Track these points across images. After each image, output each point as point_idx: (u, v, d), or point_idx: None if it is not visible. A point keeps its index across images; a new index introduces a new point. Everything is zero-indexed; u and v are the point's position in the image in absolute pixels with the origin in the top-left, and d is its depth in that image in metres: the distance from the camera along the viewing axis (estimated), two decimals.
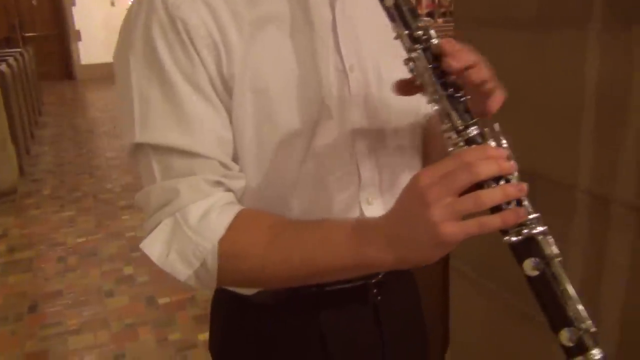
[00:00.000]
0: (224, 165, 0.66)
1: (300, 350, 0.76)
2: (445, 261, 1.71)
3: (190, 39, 0.64)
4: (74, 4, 10.91)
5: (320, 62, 0.69)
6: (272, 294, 0.74)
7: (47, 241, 3.42)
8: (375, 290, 0.77)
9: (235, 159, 0.68)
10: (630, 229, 1.03)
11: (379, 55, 0.74)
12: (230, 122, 0.67)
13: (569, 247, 1.13)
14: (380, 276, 0.77)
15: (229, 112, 0.67)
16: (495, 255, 1.34)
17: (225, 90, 0.66)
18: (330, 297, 0.72)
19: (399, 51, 0.60)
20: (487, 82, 0.60)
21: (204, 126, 0.65)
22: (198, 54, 0.64)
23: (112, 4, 11.18)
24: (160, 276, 2.81)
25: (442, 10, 10.80)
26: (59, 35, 11.09)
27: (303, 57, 0.69)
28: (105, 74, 10.95)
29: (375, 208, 0.74)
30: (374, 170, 0.75)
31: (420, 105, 0.75)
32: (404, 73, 0.61)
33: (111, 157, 5.28)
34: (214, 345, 0.85)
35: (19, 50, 6.99)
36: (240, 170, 0.69)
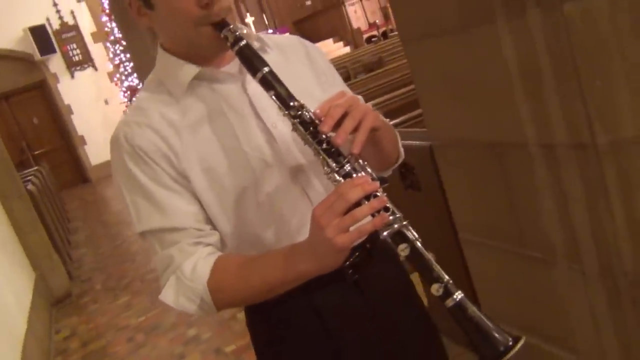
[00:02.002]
0: (197, 229, 0.98)
1: (303, 325, 1.04)
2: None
3: (148, 156, 0.97)
4: (72, 112, 11.46)
5: (244, 133, 0.99)
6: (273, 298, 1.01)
7: (113, 328, 3.71)
8: (350, 271, 1.02)
9: (209, 218, 0.99)
10: (574, 165, 1.28)
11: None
12: (195, 198, 0.98)
13: (541, 192, 1.39)
14: (352, 259, 1.00)
15: (192, 191, 0.98)
16: (496, 218, 1.59)
17: (183, 178, 0.97)
18: (316, 282, 0.97)
19: (312, 97, 0.94)
20: (355, 129, 0.87)
21: (175, 209, 0.97)
22: (156, 164, 0.96)
23: (106, 102, 11.73)
24: (221, 328, 3.09)
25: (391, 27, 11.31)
26: (65, 145, 11.62)
27: (230, 134, 0.98)
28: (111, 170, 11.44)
29: None
30: (319, 190, 1.02)
31: None
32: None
33: None
34: (255, 343, 1.16)
35: (35, 168, 7.45)
36: (212, 228, 0.99)
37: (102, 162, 11.61)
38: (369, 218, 0.84)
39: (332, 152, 0.87)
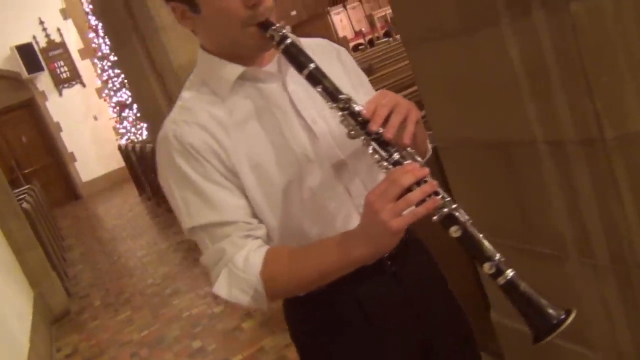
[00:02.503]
0: (247, 222, 1.00)
1: (347, 317, 1.07)
2: None
3: (198, 153, 0.98)
4: (61, 129, 11.40)
5: (287, 130, 1.02)
6: (318, 290, 1.04)
7: (115, 344, 3.68)
8: (389, 262, 1.08)
9: (256, 213, 1.01)
10: (583, 160, 1.31)
11: (325, 106, 1.02)
12: (243, 193, 1.00)
13: (550, 188, 1.41)
14: (388, 252, 1.03)
15: (240, 187, 1.00)
16: (504, 217, 1.61)
17: (232, 174, 1.00)
18: (358, 275, 1.00)
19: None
20: (402, 124, 0.92)
21: (226, 204, 0.99)
22: (207, 160, 0.98)
23: (95, 118, 11.69)
24: (226, 339, 3.08)
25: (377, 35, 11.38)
26: (55, 163, 11.54)
27: (275, 131, 1.02)
28: (106, 185, 11.41)
29: None
30: (358, 184, 1.06)
31: None
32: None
33: (142, 255, 5.58)
34: (296, 346, 1.18)
35: (28, 186, 7.40)
36: (260, 222, 1.02)
37: (93, 178, 11.56)
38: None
39: (382, 142, 0.91)
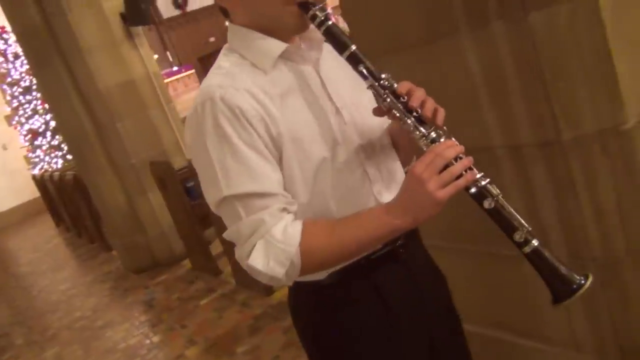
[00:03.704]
0: (284, 196, 0.99)
1: (365, 303, 1.10)
2: None
3: (246, 118, 0.96)
4: None
5: (321, 111, 1.05)
6: (335, 274, 1.06)
7: None
8: (402, 251, 1.12)
9: (287, 188, 1.01)
10: (541, 162, 1.39)
11: (352, 93, 1.09)
12: (280, 165, 1.00)
13: (509, 190, 1.48)
14: (400, 241, 1.11)
15: (278, 160, 1.00)
16: (465, 222, 1.67)
17: (275, 146, 0.99)
18: (375, 263, 1.06)
19: (362, 87, 0.99)
20: (433, 108, 0.99)
21: (266, 175, 0.97)
22: (253, 127, 0.97)
23: (4, 147, 11.03)
24: None
25: None
26: None
27: (313, 110, 1.04)
28: (18, 218, 10.72)
29: (385, 196, 1.09)
30: (375, 169, 1.11)
31: (385, 122, 1.12)
32: (371, 102, 0.98)
33: (66, 288, 5.28)
34: (306, 336, 1.17)
35: None
36: (293, 196, 1.01)
37: (3, 210, 10.84)
38: None
39: (420, 120, 0.98)
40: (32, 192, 10.19)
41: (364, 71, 0.98)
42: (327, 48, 1.08)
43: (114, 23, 4.47)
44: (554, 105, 1.30)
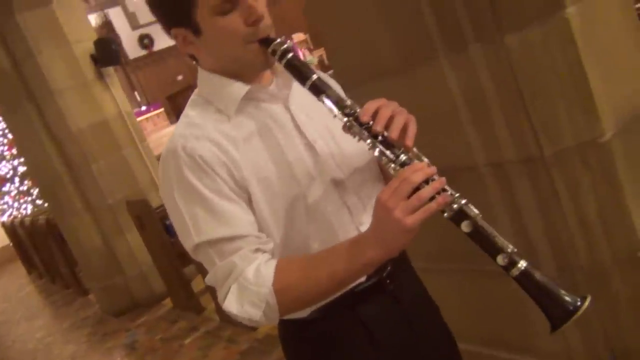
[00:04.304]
0: (257, 236, 0.99)
1: (351, 338, 1.08)
2: None
3: (208, 165, 0.98)
4: None
5: (290, 148, 1.04)
6: (320, 309, 1.05)
7: None
8: (388, 281, 1.10)
9: (261, 229, 1.00)
10: (525, 177, 1.44)
11: (327, 123, 1.07)
12: (250, 207, 0.99)
13: (495, 207, 1.52)
14: (388, 268, 1.09)
15: (247, 201, 1.00)
16: (452, 242, 1.69)
17: (241, 188, 0.99)
18: (360, 295, 1.04)
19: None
20: (404, 128, 0.95)
21: (235, 218, 0.98)
22: (216, 174, 0.98)
23: None
24: None
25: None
26: None
27: (279, 149, 1.04)
28: None
29: (366, 226, 1.04)
30: (356, 202, 1.09)
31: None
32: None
33: (42, 336, 5.13)
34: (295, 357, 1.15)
35: None
36: (267, 236, 1.01)
37: None
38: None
39: (388, 144, 0.93)
40: (1, 240, 9.92)
41: (327, 100, 0.97)
42: None
43: (84, 64, 4.46)
44: (534, 122, 1.35)
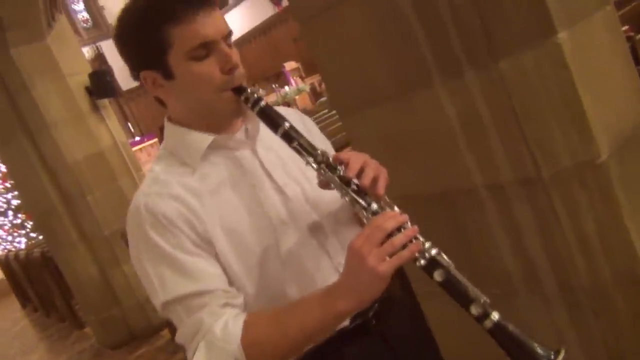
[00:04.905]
0: (224, 291, 0.98)
1: None
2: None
3: (170, 222, 0.98)
4: None
5: (260, 194, 1.04)
6: (305, 352, 1.02)
7: None
8: (374, 322, 1.08)
9: (231, 281, 1.00)
10: (524, 199, 1.45)
11: (300, 166, 1.07)
12: (218, 260, 0.99)
13: (494, 229, 1.53)
14: (375, 306, 1.07)
15: (214, 255, 0.99)
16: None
17: (204, 241, 0.99)
18: (345, 338, 1.03)
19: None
20: (374, 178, 0.97)
21: (201, 272, 0.97)
22: (180, 230, 0.98)
23: None
24: None
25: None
26: None
27: (248, 196, 1.03)
28: None
29: None
30: (335, 243, 1.09)
31: None
32: None
33: None
34: None
35: None
36: (239, 288, 1.00)
37: None
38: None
39: (359, 192, 0.95)
40: None
41: (299, 148, 0.98)
42: None
43: (79, 96, 4.50)
44: (531, 144, 1.38)
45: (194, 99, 1.02)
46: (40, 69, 4.33)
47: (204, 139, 1.02)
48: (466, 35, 1.37)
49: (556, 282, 1.48)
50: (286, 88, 12.16)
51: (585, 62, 1.34)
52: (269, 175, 1.06)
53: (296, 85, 12.15)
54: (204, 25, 0.95)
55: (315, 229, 1.06)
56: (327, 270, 1.06)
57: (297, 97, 11.72)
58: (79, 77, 4.53)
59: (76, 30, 14.80)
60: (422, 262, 0.89)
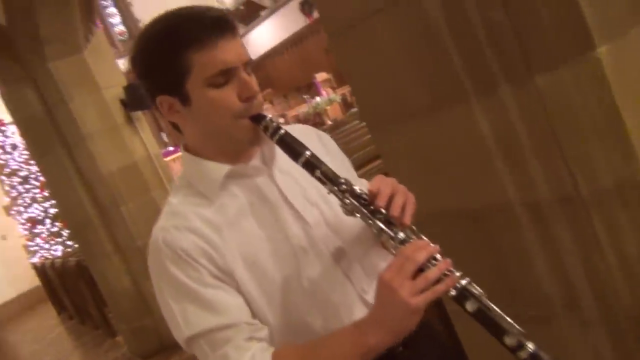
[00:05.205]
0: (248, 323, 0.96)
1: None
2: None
3: (190, 256, 0.96)
4: None
5: (280, 221, 1.02)
6: None
7: None
8: (401, 349, 1.03)
9: (254, 312, 0.98)
10: (562, 218, 1.40)
11: (319, 189, 1.04)
12: (239, 291, 0.97)
13: (531, 250, 1.48)
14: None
15: (236, 287, 0.97)
16: (486, 284, 1.65)
17: (225, 274, 0.97)
18: None
19: None
20: (403, 207, 0.94)
21: (223, 305, 0.95)
22: (199, 264, 0.96)
23: (3, 237, 10.97)
24: None
25: (310, 123, 11.80)
26: None
27: (268, 224, 1.01)
28: (18, 309, 10.49)
29: (371, 293, 1.03)
30: (358, 269, 1.06)
31: None
32: None
33: None
34: None
35: None
36: (262, 320, 0.98)
37: (2, 302, 10.62)
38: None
39: (387, 221, 0.92)
40: (31, 281, 10.04)
41: (321, 177, 0.95)
42: None
43: (114, 109, 4.58)
44: (570, 162, 1.33)
45: (210, 126, 1.00)
46: (77, 82, 4.43)
47: (221, 168, 1.01)
48: (501, 50, 1.34)
49: (596, 306, 1.42)
50: (317, 99, 12.18)
51: (626, 76, 1.28)
52: (288, 202, 1.04)
53: (327, 96, 12.17)
54: (225, 51, 0.94)
55: (337, 255, 1.04)
56: (351, 298, 1.03)
57: (328, 107, 11.73)
58: (115, 90, 4.62)
59: (112, 43, 15.15)
60: (454, 292, 0.87)
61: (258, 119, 0.98)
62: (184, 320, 0.96)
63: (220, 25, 0.96)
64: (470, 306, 0.87)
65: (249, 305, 0.98)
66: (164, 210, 1.04)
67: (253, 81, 0.99)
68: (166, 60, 0.96)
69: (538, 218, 1.44)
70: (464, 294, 0.87)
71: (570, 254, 1.42)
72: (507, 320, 0.87)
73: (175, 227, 0.98)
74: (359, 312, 0.99)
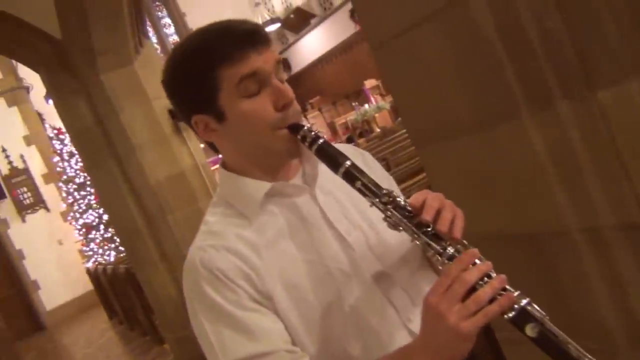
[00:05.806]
0: (289, 351, 0.89)
1: None
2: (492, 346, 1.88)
3: (228, 278, 0.90)
4: (24, 257, 10.96)
5: (321, 244, 0.95)
6: None
7: None
8: None
9: (292, 338, 0.91)
10: (626, 246, 1.27)
11: (362, 210, 0.98)
12: (277, 316, 0.90)
13: (590, 278, 1.35)
14: None
15: (275, 311, 0.91)
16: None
17: (265, 298, 0.91)
18: None
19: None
20: (451, 222, 0.86)
21: (262, 330, 0.89)
22: (238, 286, 0.90)
23: (60, 242, 11.34)
24: None
25: (358, 131, 11.72)
26: (18, 293, 10.97)
27: (308, 247, 0.94)
28: (72, 312, 10.83)
29: (416, 322, 0.93)
30: (403, 295, 0.98)
31: None
32: None
33: None
34: None
35: None
36: (300, 346, 0.91)
37: (58, 305, 10.98)
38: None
39: (433, 235, 0.84)
40: (85, 286, 10.33)
41: (362, 188, 0.89)
42: None
43: (162, 119, 4.63)
44: (636, 184, 1.20)
45: (247, 140, 0.96)
46: (127, 93, 4.51)
47: (260, 186, 0.96)
48: (559, 63, 1.23)
49: None
50: (366, 106, 12.08)
51: None
52: (330, 223, 0.97)
53: (376, 103, 12.06)
54: (256, 61, 0.91)
55: (381, 280, 0.97)
56: (394, 327, 0.96)
57: (377, 114, 11.61)
58: (163, 101, 4.66)
59: (167, 53, 15.52)
60: (511, 314, 0.77)
61: (296, 128, 0.93)
62: (219, 346, 0.90)
63: (252, 39, 0.91)
64: (531, 330, 0.76)
65: (287, 331, 0.92)
66: (200, 230, 0.99)
67: (288, 89, 0.93)
68: (197, 79, 0.93)
69: (599, 245, 1.32)
70: (524, 316, 0.76)
71: (634, 285, 1.29)
72: (575, 347, 0.76)
73: (212, 246, 0.93)
74: (402, 342, 0.91)
